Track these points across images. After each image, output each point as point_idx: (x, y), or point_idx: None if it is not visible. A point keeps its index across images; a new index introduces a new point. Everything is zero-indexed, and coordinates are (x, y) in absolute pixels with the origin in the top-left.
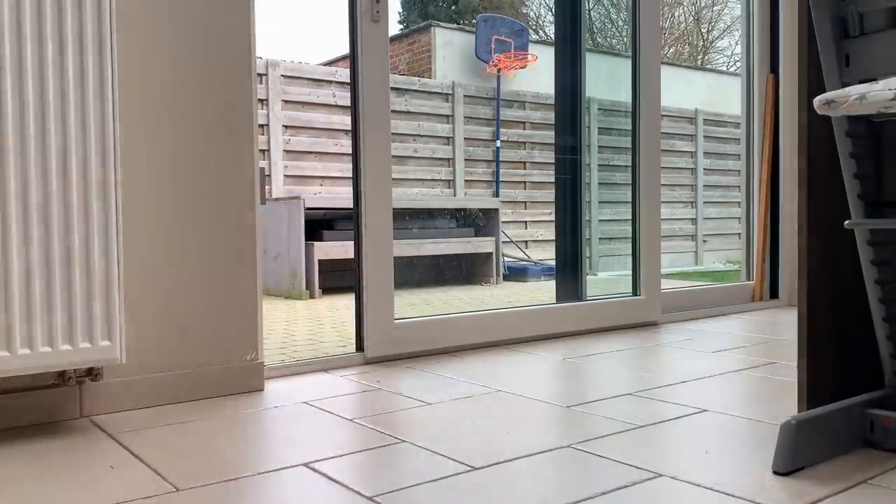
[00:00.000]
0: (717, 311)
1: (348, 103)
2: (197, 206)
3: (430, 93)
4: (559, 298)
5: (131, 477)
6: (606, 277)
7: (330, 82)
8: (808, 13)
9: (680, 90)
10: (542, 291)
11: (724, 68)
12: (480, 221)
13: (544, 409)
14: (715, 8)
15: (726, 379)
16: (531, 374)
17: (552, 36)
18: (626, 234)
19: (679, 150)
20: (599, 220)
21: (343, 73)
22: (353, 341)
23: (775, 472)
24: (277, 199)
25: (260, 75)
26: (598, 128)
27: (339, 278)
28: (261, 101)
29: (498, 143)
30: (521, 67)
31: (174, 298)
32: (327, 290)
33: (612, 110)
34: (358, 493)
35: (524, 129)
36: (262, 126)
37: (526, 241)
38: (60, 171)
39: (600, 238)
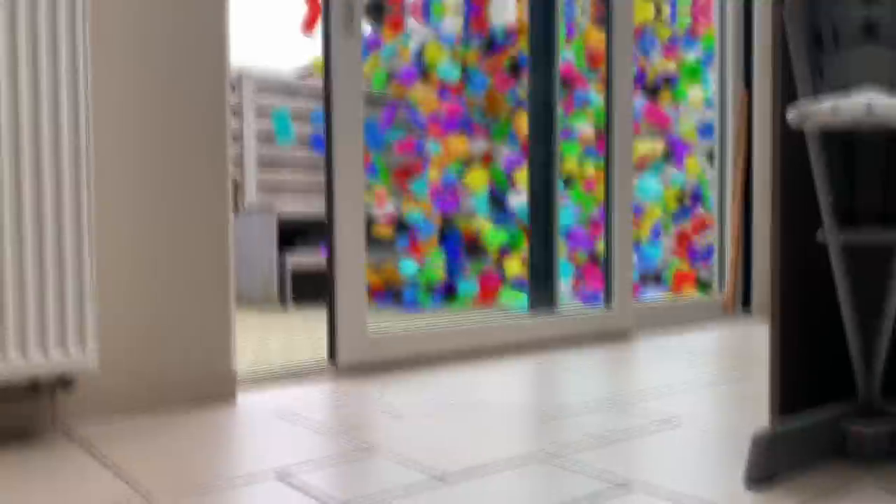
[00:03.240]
0: (689, 323)
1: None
2: (169, 215)
3: None
4: (532, 306)
5: (103, 487)
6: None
7: (303, 93)
8: (782, 27)
9: None
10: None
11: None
12: None
13: (517, 419)
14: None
15: (699, 391)
16: (504, 385)
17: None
18: None
19: None
20: None
21: (316, 83)
22: (326, 352)
23: (747, 484)
24: (250, 210)
25: (232, 85)
26: None
27: (313, 289)
28: (233, 111)
29: None
30: None
31: (147, 308)
32: (300, 300)
33: None
34: None
35: None
36: (234, 136)
37: None
38: (34, 177)
39: None
